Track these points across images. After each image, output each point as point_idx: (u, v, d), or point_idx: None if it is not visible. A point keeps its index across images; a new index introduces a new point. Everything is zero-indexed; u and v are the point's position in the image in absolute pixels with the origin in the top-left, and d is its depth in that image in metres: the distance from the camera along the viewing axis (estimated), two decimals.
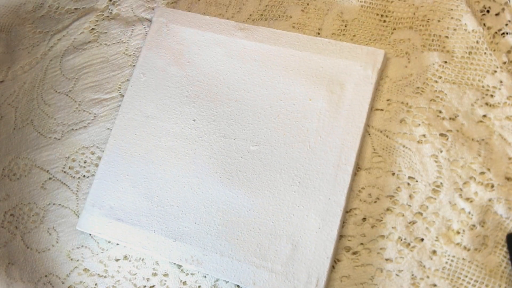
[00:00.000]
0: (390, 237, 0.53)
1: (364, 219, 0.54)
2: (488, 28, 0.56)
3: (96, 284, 0.57)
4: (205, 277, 0.56)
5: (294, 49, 0.58)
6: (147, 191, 0.57)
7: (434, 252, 0.52)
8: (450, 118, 0.55)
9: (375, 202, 0.54)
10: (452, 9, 0.57)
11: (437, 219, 0.52)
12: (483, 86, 0.55)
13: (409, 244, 0.53)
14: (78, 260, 0.58)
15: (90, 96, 0.63)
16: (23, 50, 0.66)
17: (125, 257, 0.58)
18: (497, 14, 0.56)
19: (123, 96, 0.61)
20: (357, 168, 0.55)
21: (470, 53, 0.56)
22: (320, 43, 0.57)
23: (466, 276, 0.51)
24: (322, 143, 0.55)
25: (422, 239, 0.52)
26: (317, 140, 0.55)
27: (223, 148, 0.57)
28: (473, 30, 0.56)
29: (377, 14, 0.59)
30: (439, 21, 0.57)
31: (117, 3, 0.66)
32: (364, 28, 0.59)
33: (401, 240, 0.53)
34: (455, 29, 0.57)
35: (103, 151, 0.60)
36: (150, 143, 0.58)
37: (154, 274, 0.57)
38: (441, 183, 0.53)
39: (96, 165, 0.60)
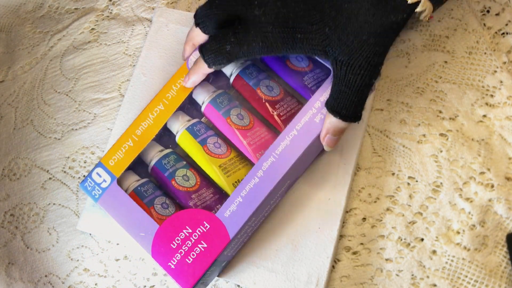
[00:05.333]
0: (390, 237, 0.53)
1: (364, 219, 0.54)
2: (488, 28, 0.56)
3: (96, 284, 0.57)
4: None
5: None
6: None
7: (434, 252, 0.52)
8: (450, 118, 0.55)
9: (375, 202, 0.54)
10: (452, 9, 0.57)
11: (437, 219, 0.52)
12: (483, 86, 0.55)
13: (409, 244, 0.53)
14: (78, 260, 0.58)
15: (90, 96, 0.63)
16: (23, 50, 0.66)
17: (125, 257, 0.58)
18: (497, 14, 0.57)
19: (123, 96, 0.61)
20: (357, 168, 0.55)
21: (470, 53, 0.56)
22: None
23: (466, 276, 0.51)
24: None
25: (422, 239, 0.52)
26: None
27: None
28: (473, 30, 0.56)
29: None
30: (439, 21, 0.57)
31: (117, 3, 0.66)
32: None
33: (401, 240, 0.53)
34: (455, 29, 0.57)
35: (103, 151, 0.60)
36: None
37: (154, 274, 0.57)
38: (441, 183, 0.53)
39: None
